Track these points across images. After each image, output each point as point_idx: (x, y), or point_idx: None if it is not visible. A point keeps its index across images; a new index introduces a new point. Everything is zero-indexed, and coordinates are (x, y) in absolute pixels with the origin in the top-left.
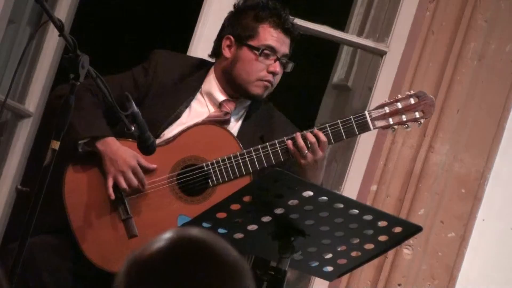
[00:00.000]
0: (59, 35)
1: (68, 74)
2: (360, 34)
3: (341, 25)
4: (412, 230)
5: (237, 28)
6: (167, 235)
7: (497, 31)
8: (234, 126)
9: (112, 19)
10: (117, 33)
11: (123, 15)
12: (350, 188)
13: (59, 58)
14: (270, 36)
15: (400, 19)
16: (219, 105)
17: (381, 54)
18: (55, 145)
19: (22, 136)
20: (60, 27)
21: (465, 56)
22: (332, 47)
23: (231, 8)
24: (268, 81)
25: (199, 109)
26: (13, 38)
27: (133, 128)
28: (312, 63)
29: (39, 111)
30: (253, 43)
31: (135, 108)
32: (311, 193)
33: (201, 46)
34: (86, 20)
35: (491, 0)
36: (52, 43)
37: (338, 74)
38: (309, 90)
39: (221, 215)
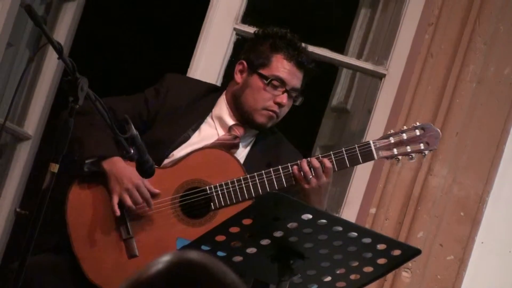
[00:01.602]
0: (58, 58)
1: (67, 97)
2: (359, 57)
3: (340, 48)
4: (411, 253)
5: (252, 54)
6: (166, 258)
7: (496, 53)
8: (243, 152)
9: (111, 42)
10: (116, 56)
11: (122, 37)
12: (349, 211)
13: (58, 81)
14: (282, 67)
15: (399, 42)
16: (229, 129)
17: (380, 77)
18: (54, 168)
19: (21, 158)
20: (59, 50)
21: (464, 78)
22: (331, 70)
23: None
24: (273, 111)
25: (208, 132)
26: (12, 61)
27: (132, 151)
28: (311, 86)
29: (38, 134)
30: (264, 71)
31: (134, 131)
32: (310, 216)
33: (199, 69)
34: (85, 43)
35: (490, 23)
36: (51, 66)
37: (337, 97)
38: (308, 112)
39: (220, 238)
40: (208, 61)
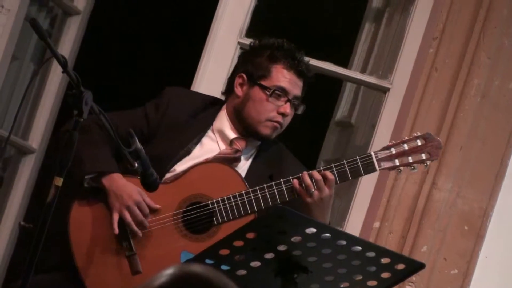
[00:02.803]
0: (63, 72)
1: (72, 111)
2: (363, 71)
3: (344, 62)
4: (415, 267)
5: (250, 66)
6: (169, 271)
7: (500, 68)
8: (244, 165)
9: (116, 56)
10: (121, 70)
11: (127, 51)
12: (353, 225)
13: (62, 95)
14: (282, 77)
15: (403, 56)
16: (230, 142)
17: (384, 91)
18: (58, 181)
19: (26, 172)
20: (63, 63)
21: (468, 93)
22: (335, 83)
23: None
24: (278, 122)
25: (210, 146)
26: (16, 75)
27: (136, 165)
28: (315, 100)
29: (43, 147)
30: (265, 83)
31: (139, 145)
32: (314, 230)
33: (204, 83)
34: (90, 57)
35: (494, 37)
36: (55, 80)
37: (341, 111)
38: (312, 127)
39: (224, 251)
40: (212, 75)
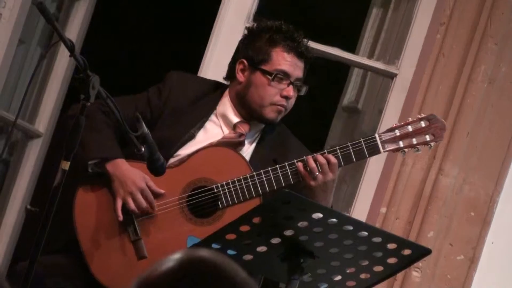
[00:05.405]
0: (70, 56)
1: (79, 95)
2: (370, 56)
3: (352, 47)
4: (421, 252)
5: (250, 51)
6: (176, 256)
7: (508, 54)
8: (248, 149)
9: (123, 40)
10: (128, 54)
11: (134, 36)
12: (360, 210)
13: (69, 79)
14: (283, 60)
15: (410, 41)
16: (234, 126)
17: (392, 76)
18: (65, 165)
19: (32, 156)
20: (70, 47)
21: (475, 79)
22: (343, 69)
23: (241, 31)
24: (282, 105)
25: (213, 130)
26: (23, 59)
27: (143, 149)
28: (322, 85)
29: (49, 132)
30: (266, 67)
31: (145, 129)
32: (320, 215)
33: (211, 68)
34: (97, 41)
35: (501, 23)
36: (62, 64)
37: (348, 96)
38: (319, 112)
39: (231, 236)
40: (219, 60)
